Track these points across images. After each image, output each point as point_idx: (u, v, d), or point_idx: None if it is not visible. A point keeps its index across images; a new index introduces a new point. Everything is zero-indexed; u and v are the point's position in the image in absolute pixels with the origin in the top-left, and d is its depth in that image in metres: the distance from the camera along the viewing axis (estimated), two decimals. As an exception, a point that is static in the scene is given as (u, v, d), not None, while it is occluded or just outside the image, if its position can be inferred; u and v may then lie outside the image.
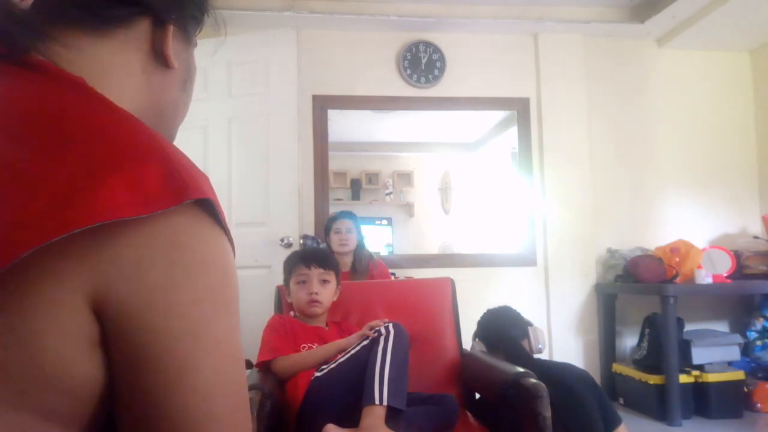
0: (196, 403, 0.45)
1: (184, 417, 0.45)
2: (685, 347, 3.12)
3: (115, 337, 0.44)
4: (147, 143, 0.47)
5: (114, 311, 0.43)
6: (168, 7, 0.57)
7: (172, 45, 0.58)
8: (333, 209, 3.43)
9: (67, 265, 0.42)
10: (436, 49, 3.66)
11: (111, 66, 0.55)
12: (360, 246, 2.96)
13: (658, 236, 3.68)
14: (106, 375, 0.45)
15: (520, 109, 3.74)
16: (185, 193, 0.45)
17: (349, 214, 2.99)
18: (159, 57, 0.58)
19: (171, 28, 0.58)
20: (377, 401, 1.44)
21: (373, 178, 5.24)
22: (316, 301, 1.83)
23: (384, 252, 4.76)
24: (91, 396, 0.45)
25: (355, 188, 5.17)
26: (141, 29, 0.57)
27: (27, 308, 0.41)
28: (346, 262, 2.92)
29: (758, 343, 3.39)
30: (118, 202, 0.42)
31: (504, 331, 2.18)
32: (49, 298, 0.42)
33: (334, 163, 3.96)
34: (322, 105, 3.58)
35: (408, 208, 5.29)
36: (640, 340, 3.38)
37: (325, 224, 3.07)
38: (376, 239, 4.99)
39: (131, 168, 0.44)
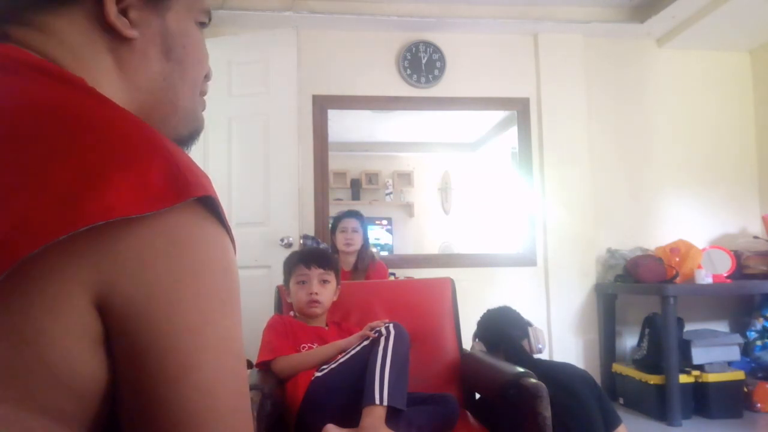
0: (198, 401, 0.45)
1: (186, 414, 0.45)
2: (685, 347, 3.12)
3: (118, 334, 0.44)
4: (149, 141, 0.47)
5: (117, 308, 0.43)
6: None
7: (134, 11, 0.54)
8: (333, 209, 3.43)
9: (72, 263, 0.42)
10: (436, 49, 3.66)
11: (79, 47, 0.53)
12: (365, 246, 2.96)
13: (658, 236, 3.68)
14: (109, 374, 0.45)
15: (520, 109, 3.74)
16: (188, 191, 0.45)
17: (355, 214, 3.00)
18: (112, 29, 0.53)
19: None
20: (377, 401, 1.44)
21: (373, 178, 5.24)
22: (316, 301, 1.83)
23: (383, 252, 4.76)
24: (95, 395, 0.45)
25: (355, 188, 5.17)
26: (86, 2, 0.52)
27: (32, 307, 0.41)
28: (349, 261, 2.92)
29: (758, 343, 3.39)
30: (122, 200, 0.42)
31: (504, 331, 2.18)
32: (54, 296, 0.42)
33: (334, 163, 3.95)
34: (322, 105, 3.58)
35: (408, 208, 5.29)
36: (640, 340, 3.38)
37: (331, 223, 3.07)
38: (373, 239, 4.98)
39: (135, 166, 0.44)
